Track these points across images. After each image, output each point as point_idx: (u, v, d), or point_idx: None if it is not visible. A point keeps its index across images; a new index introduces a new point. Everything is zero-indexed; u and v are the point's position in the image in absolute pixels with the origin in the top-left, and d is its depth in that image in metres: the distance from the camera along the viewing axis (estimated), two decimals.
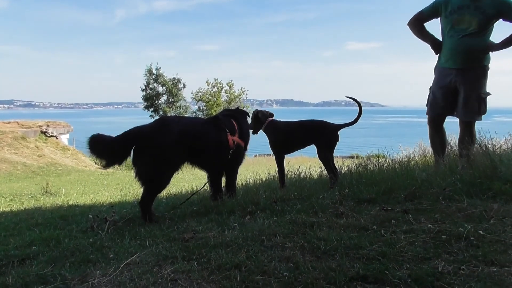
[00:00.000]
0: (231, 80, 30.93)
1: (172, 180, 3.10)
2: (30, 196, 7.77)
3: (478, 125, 3.81)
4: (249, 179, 4.93)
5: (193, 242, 2.21)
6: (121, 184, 10.15)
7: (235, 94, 30.87)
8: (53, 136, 20.63)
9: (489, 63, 3.43)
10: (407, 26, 3.74)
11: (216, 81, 30.82)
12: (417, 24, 3.67)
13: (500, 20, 3.37)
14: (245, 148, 3.50)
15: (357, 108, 3.62)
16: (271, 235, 2.21)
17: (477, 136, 3.86)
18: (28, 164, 15.38)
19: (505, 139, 4.69)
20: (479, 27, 3.28)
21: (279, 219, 2.52)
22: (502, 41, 3.31)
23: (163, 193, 4.79)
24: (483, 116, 3.56)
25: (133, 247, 2.25)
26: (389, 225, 2.25)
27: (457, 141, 3.82)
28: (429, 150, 4.18)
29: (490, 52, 3.43)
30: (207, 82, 30.73)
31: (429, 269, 1.66)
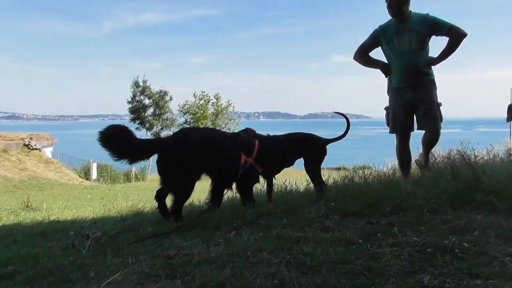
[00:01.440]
0: (218, 93, 31.04)
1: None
2: (9, 211, 7.52)
3: (460, 136, 3.89)
4: (235, 193, 4.88)
5: (177, 259, 2.16)
6: (105, 198, 9.94)
7: (222, 106, 30.93)
8: (36, 149, 20.17)
9: (434, 77, 3.69)
10: (354, 60, 3.90)
11: (203, 93, 30.86)
12: (362, 56, 3.86)
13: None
14: (266, 173, 3.46)
15: (344, 120, 3.66)
16: (256, 251, 2.18)
17: (460, 147, 3.95)
18: (9, 178, 14.97)
19: (487, 150, 4.78)
20: (419, 45, 3.54)
21: (265, 234, 2.49)
22: (440, 54, 3.58)
23: (148, 208, 4.70)
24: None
25: (115, 265, 2.18)
26: (375, 238, 2.25)
27: (440, 153, 3.90)
28: (413, 161, 4.21)
29: (432, 66, 3.68)
30: (194, 94, 30.76)
31: (415, 283, 1.65)
